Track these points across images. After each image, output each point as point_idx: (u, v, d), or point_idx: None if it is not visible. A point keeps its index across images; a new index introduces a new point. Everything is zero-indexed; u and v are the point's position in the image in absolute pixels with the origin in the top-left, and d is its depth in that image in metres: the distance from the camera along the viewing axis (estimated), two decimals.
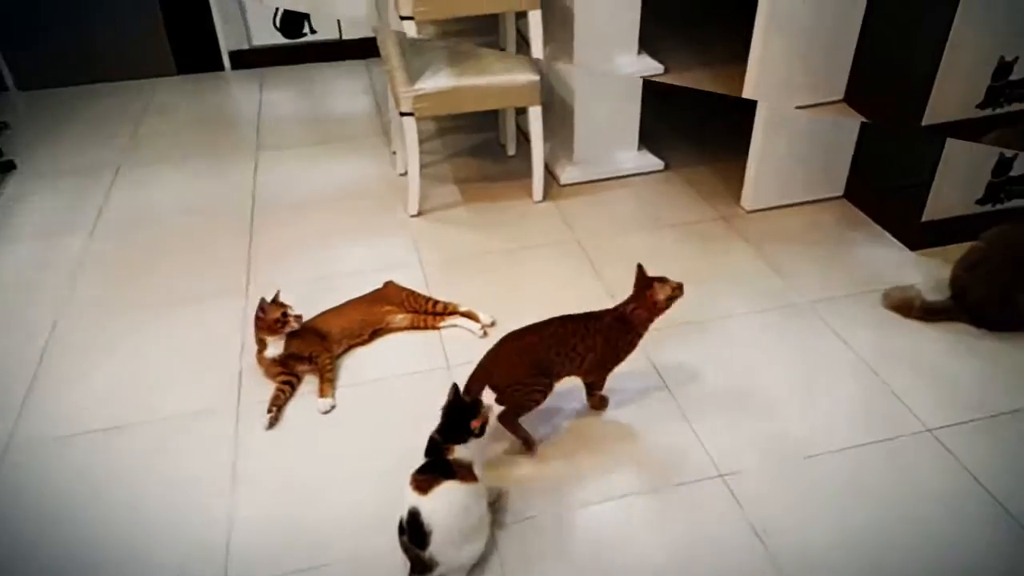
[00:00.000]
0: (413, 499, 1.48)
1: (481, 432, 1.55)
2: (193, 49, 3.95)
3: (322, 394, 2.00)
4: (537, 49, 2.61)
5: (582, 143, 2.94)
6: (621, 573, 1.58)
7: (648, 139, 3.04)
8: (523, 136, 3.13)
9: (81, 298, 2.42)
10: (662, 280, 1.78)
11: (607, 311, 1.83)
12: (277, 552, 1.63)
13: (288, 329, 2.02)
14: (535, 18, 2.53)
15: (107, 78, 3.88)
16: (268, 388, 2.03)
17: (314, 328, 2.12)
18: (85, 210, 2.87)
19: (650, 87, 2.87)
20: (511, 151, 3.18)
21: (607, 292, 2.31)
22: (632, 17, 2.75)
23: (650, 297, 1.77)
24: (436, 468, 1.51)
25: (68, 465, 1.85)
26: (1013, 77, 2.40)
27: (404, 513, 1.49)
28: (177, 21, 3.86)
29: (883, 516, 1.68)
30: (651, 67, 2.89)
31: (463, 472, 1.52)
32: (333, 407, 1.99)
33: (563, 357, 1.76)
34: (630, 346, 1.83)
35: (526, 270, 2.49)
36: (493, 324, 2.23)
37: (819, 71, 2.66)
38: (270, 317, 2.01)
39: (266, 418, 1.94)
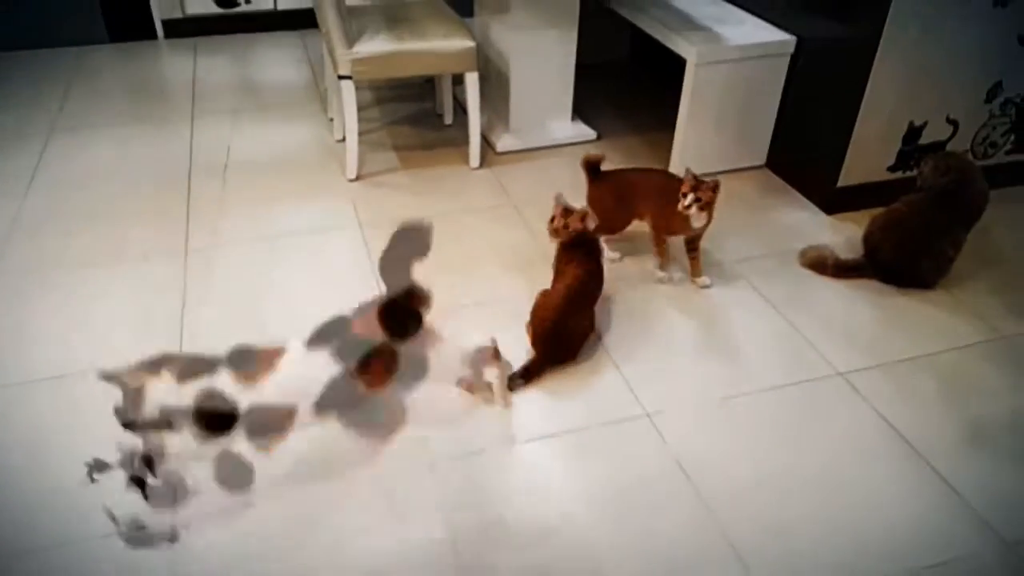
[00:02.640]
0: None
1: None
2: (125, 17, 3.86)
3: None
4: (475, 114, 2.78)
5: (518, 113, 3.01)
6: (559, 502, 1.67)
7: (581, 110, 3.13)
8: (460, 106, 3.18)
9: (18, 256, 2.39)
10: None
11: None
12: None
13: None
14: (472, 79, 2.68)
15: (35, 44, 3.77)
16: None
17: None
18: (18, 172, 2.82)
19: (583, 64, 2.97)
20: (448, 120, 3.22)
21: (540, 250, 2.41)
22: (566, 86, 2.95)
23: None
24: None
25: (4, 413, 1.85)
26: (922, 141, 2.59)
27: None
28: None
29: (798, 451, 1.80)
30: (584, 133, 3.08)
31: None
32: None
33: None
34: None
35: (464, 231, 2.55)
36: None
37: (741, 139, 2.89)
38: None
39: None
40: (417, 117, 3.28)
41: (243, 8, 3.98)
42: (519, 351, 2.04)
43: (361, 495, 1.67)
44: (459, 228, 2.56)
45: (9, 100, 3.33)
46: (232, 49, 3.89)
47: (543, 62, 2.92)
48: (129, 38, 3.92)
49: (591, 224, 1.99)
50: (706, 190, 2.11)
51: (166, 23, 3.94)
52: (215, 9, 3.95)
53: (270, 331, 2.10)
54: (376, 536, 1.59)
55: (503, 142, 3.03)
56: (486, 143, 3.02)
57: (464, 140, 2.91)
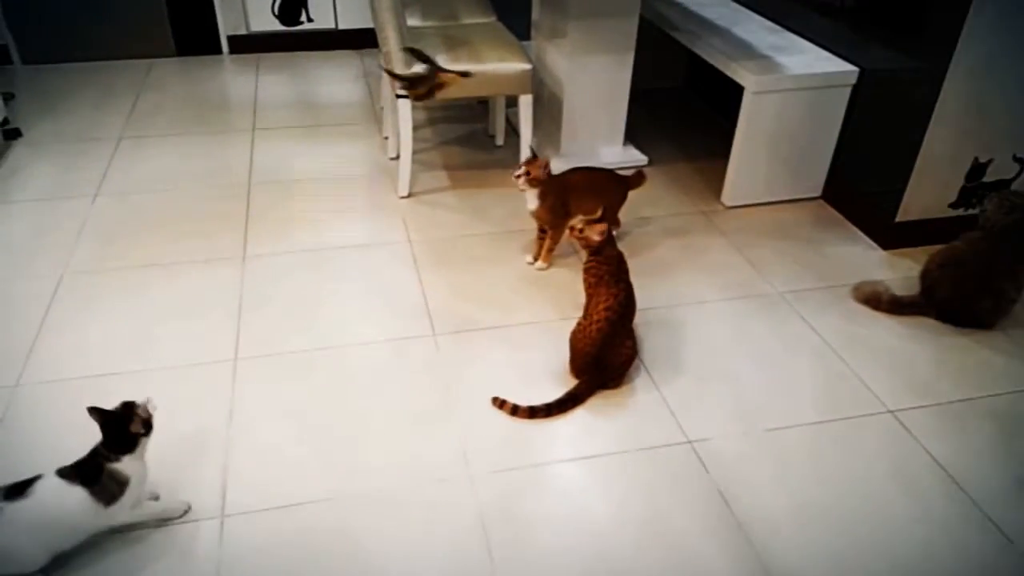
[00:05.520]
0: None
1: (147, 431, 1.54)
2: (193, 32, 4.00)
3: (540, 258, 2.48)
4: (526, 136, 2.79)
5: (569, 136, 3.02)
6: (595, 525, 1.65)
7: (633, 135, 3.13)
8: (511, 127, 3.21)
9: (85, 257, 2.47)
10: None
11: None
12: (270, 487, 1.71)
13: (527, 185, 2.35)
14: (525, 102, 2.72)
15: (108, 56, 3.93)
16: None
17: (563, 204, 2.39)
18: (88, 177, 2.93)
19: (637, 89, 2.98)
20: (499, 141, 3.25)
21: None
22: (619, 111, 2.97)
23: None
24: (83, 471, 1.49)
25: (68, 405, 1.90)
26: (987, 178, 2.53)
27: None
28: (178, 4, 3.91)
29: (844, 487, 1.75)
30: (635, 158, 3.09)
31: (109, 488, 1.49)
32: (542, 268, 2.47)
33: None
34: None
35: (510, 251, 2.56)
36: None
37: (798, 170, 2.85)
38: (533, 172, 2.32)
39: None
40: (469, 138, 3.32)
41: (306, 26, 4.08)
42: (554, 375, 2.04)
43: (401, 505, 1.68)
44: (504, 249, 2.57)
45: (83, 108, 3.48)
46: (293, 66, 4.00)
47: (597, 87, 2.93)
48: (196, 52, 4.05)
49: (598, 239, 1.99)
50: (536, 166, 2.32)
51: (231, 39, 4.06)
52: (279, 27, 4.06)
53: (321, 338, 2.15)
54: (415, 545, 1.59)
55: (553, 165, 3.02)
56: None
57: (514, 161, 2.92)
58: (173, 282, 2.37)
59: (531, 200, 2.38)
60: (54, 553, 1.49)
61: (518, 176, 2.33)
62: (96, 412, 1.50)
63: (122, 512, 1.52)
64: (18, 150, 3.11)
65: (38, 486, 1.45)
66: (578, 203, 2.38)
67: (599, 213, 2.02)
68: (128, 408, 1.53)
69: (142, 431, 1.53)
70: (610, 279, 1.96)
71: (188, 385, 1.99)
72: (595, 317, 1.93)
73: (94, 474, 1.49)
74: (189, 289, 2.34)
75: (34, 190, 2.85)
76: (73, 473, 1.48)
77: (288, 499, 1.68)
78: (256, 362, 2.06)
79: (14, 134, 3.19)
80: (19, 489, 1.45)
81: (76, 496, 1.46)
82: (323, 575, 1.54)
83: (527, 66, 2.68)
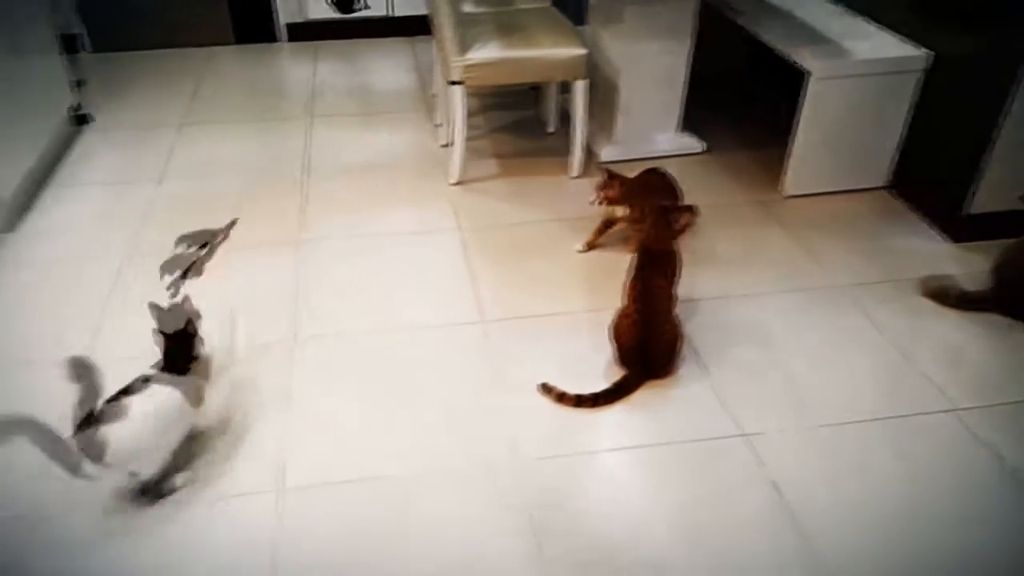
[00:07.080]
0: None
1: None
2: (251, 20, 4.07)
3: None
4: (580, 123, 2.78)
5: (624, 122, 2.98)
6: (645, 514, 1.64)
7: (691, 122, 3.06)
8: (563, 114, 3.18)
9: (151, 238, 2.55)
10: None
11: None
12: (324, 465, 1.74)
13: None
14: (580, 87, 2.68)
15: (170, 44, 4.03)
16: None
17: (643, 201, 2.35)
18: (153, 161, 3.03)
19: (696, 73, 2.91)
20: (551, 128, 3.23)
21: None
22: (676, 96, 2.93)
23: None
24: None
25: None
26: None
27: None
28: None
29: (906, 485, 1.70)
30: (691, 145, 3.06)
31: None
32: (579, 251, 2.48)
33: None
34: None
35: (560, 239, 2.54)
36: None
37: (862, 159, 2.76)
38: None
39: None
40: (520, 124, 3.31)
41: (361, 14, 4.13)
42: (602, 363, 2.02)
43: (449, 488, 1.69)
44: (554, 236, 2.56)
45: (146, 95, 3.58)
46: (348, 53, 4.05)
47: (654, 72, 2.88)
48: (254, 40, 4.13)
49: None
50: (612, 186, 2.35)
51: (289, 27, 4.13)
52: (335, 15, 4.12)
53: (373, 322, 2.17)
54: (465, 527, 1.61)
55: (606, 152, 3.00)
56: (588, 152, 3.00)
57: (565, 149, 2.91)
58: (232, 264, 2.42)
59: (618, 209, 2.40)
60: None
61: (596, 201, 2.37)
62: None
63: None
64: (88, 135, 3.23)
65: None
66: (656, 199, 2.35)
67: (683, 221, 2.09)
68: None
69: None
70: (633, 270, 1.98)
71: (247, 364, 2.02)
72: (627, 311, 1.95)
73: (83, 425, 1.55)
74: (247, 271, 2.39)
75: (103, 174, 2.95)
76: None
77: (341, 477, 1.71)
78: (311, 343, 2.10)
79: (85, 119, 3.30)
80: None
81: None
82: (372, 552, 1.56)
83: (582, 51, 2.65)
